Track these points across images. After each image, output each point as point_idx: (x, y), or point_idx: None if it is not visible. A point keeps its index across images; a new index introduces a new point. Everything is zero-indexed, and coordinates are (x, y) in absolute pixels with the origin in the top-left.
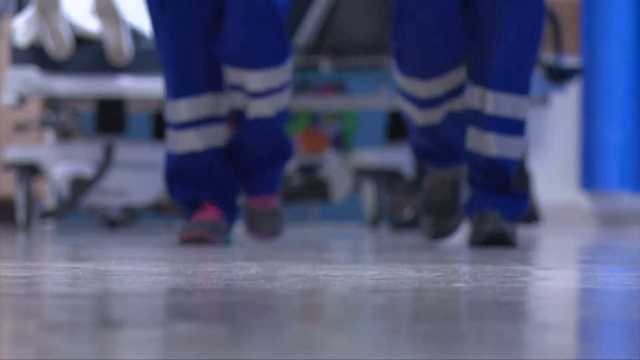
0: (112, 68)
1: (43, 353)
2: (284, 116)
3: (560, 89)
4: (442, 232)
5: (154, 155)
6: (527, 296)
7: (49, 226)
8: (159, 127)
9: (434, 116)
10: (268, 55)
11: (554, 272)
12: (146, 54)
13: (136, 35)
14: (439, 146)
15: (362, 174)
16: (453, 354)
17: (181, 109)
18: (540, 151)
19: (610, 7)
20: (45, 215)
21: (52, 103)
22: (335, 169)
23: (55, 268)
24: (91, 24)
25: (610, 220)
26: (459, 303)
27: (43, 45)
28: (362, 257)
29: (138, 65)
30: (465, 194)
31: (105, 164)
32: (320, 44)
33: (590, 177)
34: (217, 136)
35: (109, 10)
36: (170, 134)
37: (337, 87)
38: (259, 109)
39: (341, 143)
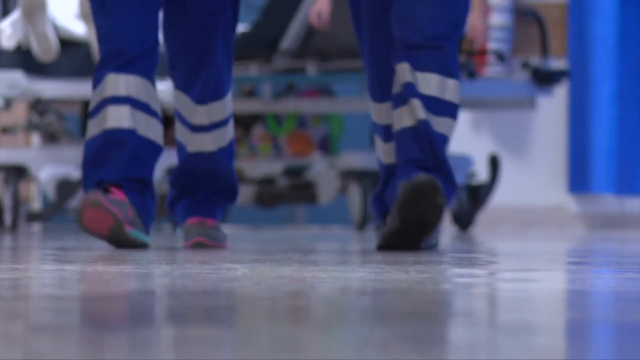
0: None
1: (30, 355)
2: (228, 154)
3: (547, 92)
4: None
5: None
6: (515, 298)
7: (36, 229)
8: None
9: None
10: (211, 89)
11: (541, 274)
12: None
13: None
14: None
15: (349, 176)
16: (439, 355)
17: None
18: (528, 154)
19: (597, 10)
20: (32, 217)
21: (39, 106)
22: (322, 172)
23: (42, 270)
24: (77, 27)
25: (598, 223)
26: (446, 305)
27: (29, 49)
28: (349, 259)
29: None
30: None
31: None
32: (307, 47)
33: (578, 179)
34: (154, 129)
35: None
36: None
37: (324, 90)
38: (201, 144)
39: (327, 145)
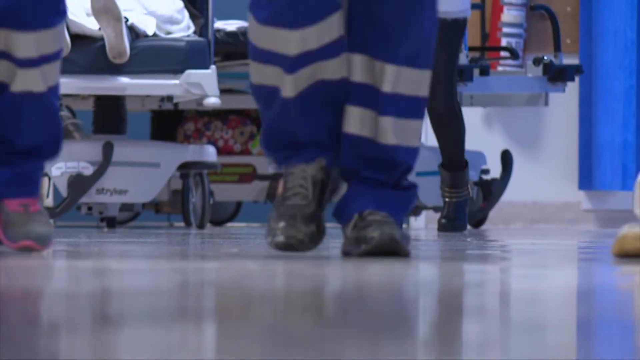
0: (112, 67)
1: (42, 352)
2: (56, 95)
3: (560, 89)
4: (295, 237)
5: (154, 154)
6: (526, 295)
7: None
8: (159, 126)
9: (303, 82)
10: (42, 12)
11: (553, 271)
12: (145, 52)
13: (136, 33)
14: (303, 131)
15: None
16: (451, 352)
17: None
18: (541, 150)
19: (609, 6)
20: None
21: None
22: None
23: (55, 266)
24: (90, 23)
25: (610, 220)
26: (457, 302)
27: None
28: (362, 257)
29: (137, 64)
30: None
31: (104, 163)
32: None
33: (589, 176)
34: None
35: (108, 8)
36: None
37: None
38: (29, 80)
39: None
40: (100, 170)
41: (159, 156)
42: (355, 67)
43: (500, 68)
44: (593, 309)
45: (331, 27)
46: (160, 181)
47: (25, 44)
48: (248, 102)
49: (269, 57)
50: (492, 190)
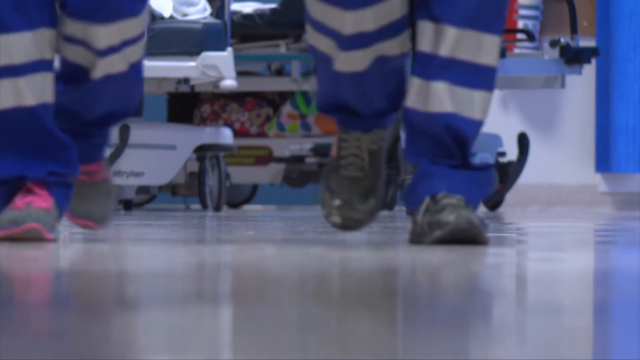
0: None
1: (60, 332)
2: (139, 70)
3: (576, 71)
4: (352, 219)
5: (170, 137)
6: (543, 278)
7: None
8: (175, 108)
9: (358, 61)
10: (125, 3)
11: (570, 254)
12: (162, 34)
13: (152, 16)
14: (360, 101)
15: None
16: (468, 336)
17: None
18: (557, 133)
19: None
20: None
21: None
22: None
23: (72, 249)
24: None
25: (626, 202)
26: (474, 285)
27: None
28: (378, 239)
29: (154, 46)
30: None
31: (121, 145)
32: None
33: (605, 158)
34: (48, 89)
35: None
36: None
37: None
38: (110, 65)
39: None
40: (117, 152)
41: (175, 138)
42: (423, 35)
43: (516, 50)
44: (610, 292)
45: (392, 8)
46: (177, 164)
47: (107, 35)
48: (264, 84)
49: (322, 28)
50: (508, 173)
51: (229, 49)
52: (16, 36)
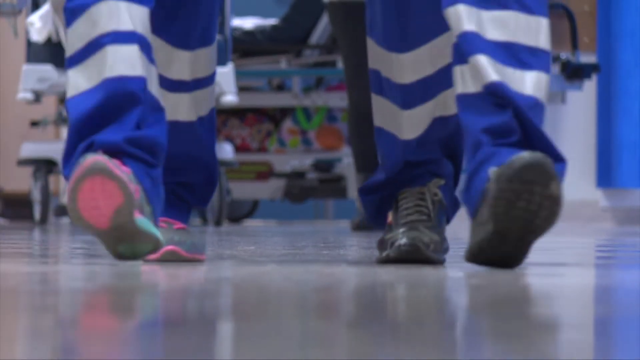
0: None
1: (59, 350)
2: (209, 125)
3: (577, 87)
4: (420, 239)
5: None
6: (543, 293)
7: (65, 222)
8: None
9: (422, 120)
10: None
11: (570, 269)
12: None
13: None
14: (419, 160)
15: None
16: (468, 350)
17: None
18: (558, 148)
19: (626, 5)
20: (61, 211)
21: None
22: (351, 166)
23: (72, 264)
24: None
25: (627, 218)
26: (475, 299)
27: (59, 42)
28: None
29: None
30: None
31: None
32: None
33: (607, 174)
34: (156, 85)
35: None
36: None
37: None
38: (176, 106)
39: None
40: None
41: None
42: (461, 20)
43: None
44: (611, 308)
45: (444, 48)
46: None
47: (180, 64)
48: (265, 100)
49: (382, 88)
50: None
51: (230, 64)
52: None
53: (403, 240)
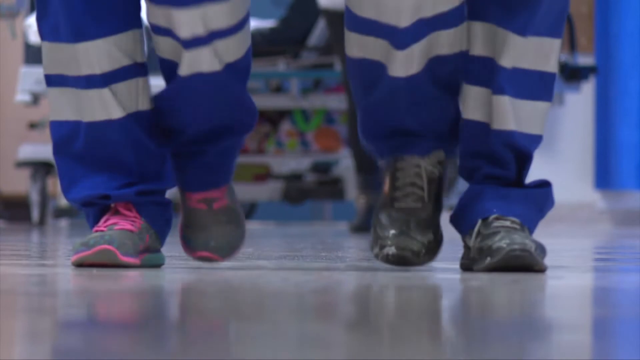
0: None
1: (57, 351)
2: (239, 74)
3: (575, 89)
4: (409, 248)
5: None
6: (542, 295)
7: (63, 224)
8: None
9: (415, 59)
10: None
11: (568, 271)
12: None
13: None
14: (418, 115)
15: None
16: (466, 351)
17: (86, 56)
18: (556, 150)
19: (624, 5)
20: (60, 213)
21: None
22: (349, 168)
23: (69, 266)
24: None
25: (625, 219)
26: (474, 302)
27: None
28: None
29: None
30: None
31: None
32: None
33: (605, 176)
34: (141, 95)
35: None
36: (57, 94)
37: None
38: (197, 60)
39: None
40: None
41: None
42: (476, 38)
43: None
44: (609, 310)
45: None
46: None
47: (189, 21)
48: (264, 102)
49: (374, 28)
50: None
51: None
52: (97, 43)
53: (392, 250)
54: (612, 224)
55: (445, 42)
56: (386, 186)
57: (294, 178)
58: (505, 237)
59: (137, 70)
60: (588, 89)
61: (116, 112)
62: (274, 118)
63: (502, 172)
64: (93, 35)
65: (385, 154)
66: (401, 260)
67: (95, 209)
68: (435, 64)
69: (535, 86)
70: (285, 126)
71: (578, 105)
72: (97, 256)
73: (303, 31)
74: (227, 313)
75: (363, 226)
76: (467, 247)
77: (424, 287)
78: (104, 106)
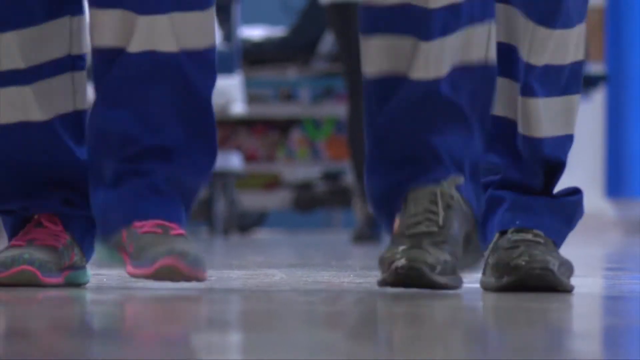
0: None
1: (55, 353)
2: (198, 64)
3: (586, 97)
4: (421, 259)
5: None
6: (553, 303)
7: None
8: None
9: (442, 58)
10: None
11: (579, 280)
12: None
13: None
14: (434, 136)
15: None
16: (470, 357)
17: (8, 48)
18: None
19: (635, 14)
20: None
21: None
22: None
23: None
24: None
25: (636, 228)
26: (484, 309)
27: None
28: None
29: None
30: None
31: None
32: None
33: (615, 184)
34: (72, 94)
35: None
36: None
37: None
38: (151, 32)
39: None
40: None
41: None
42: (497, 22)
43: None
44: (620, 318)
45: None
46: None
47: None
48: (274, 110)
49: (397, 20)
50: None
51: (239, 73)
52: (22, 32)
53: (401, 262)
54: (623, 232)
55: (477, 42)
56: (396, 225)
57: (304, 186)
58: (525, 252)
59: (73, 63)
60: (599, 97)
61: (37, 114)
62: (284, 126)
63: (526, 179)
64: (17, 23)
65: (395, 193)
66: (413, 273)
67: (13, 217)
68: (463, 73)
69: (566, 80)
70: (296, 134)
71: (589, 113)
72: (16, 277)
73: (313, 39)
74: (238, 321)
75: (364, 235)
76: (486, 262)
77: (432, 296)
78: (24, 107)
